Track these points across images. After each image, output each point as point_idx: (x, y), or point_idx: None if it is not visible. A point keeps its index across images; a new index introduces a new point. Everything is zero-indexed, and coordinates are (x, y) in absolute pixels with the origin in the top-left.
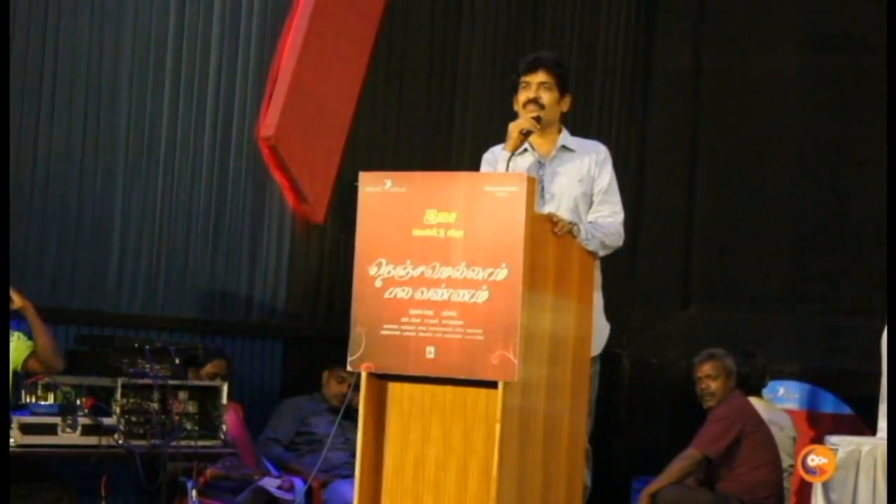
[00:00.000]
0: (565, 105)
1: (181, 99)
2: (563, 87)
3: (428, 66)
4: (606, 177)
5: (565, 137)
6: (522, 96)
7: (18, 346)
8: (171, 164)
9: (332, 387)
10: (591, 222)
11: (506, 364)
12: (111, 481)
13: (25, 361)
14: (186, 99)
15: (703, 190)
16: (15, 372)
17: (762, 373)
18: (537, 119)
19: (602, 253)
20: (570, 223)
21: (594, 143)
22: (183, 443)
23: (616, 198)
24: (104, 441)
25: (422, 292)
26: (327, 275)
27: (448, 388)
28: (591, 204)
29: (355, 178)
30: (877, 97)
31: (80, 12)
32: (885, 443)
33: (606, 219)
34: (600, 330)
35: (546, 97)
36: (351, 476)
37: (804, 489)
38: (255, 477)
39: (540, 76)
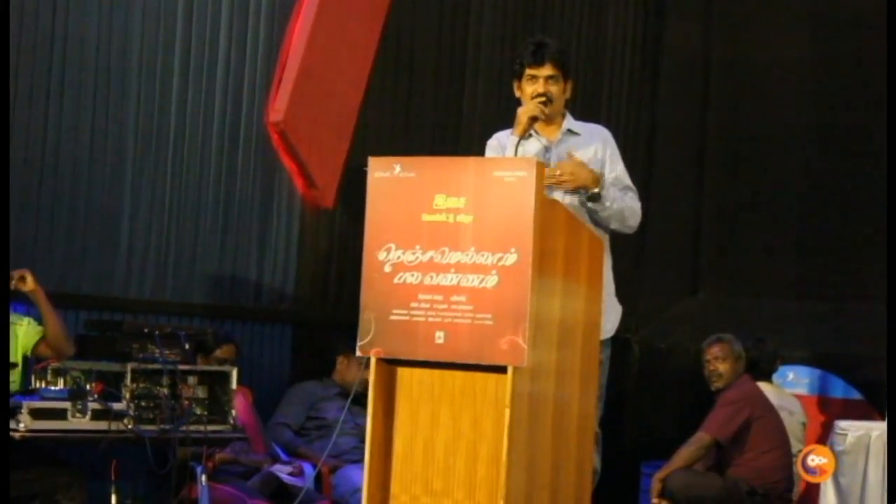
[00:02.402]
0: (568, 92)
1: (190, 84)
2: (567, 75)
3: (436, 52)
4: (620, 163)
5: (569, 122)
6: (530, 89)
7: (28, 332)
8: (181, 149)
9: (354, 372)
10: (618, 192)
11: (515, 349)
12: (121, 466)
13: (35, 346)
14: (195, 84)
15: (713, 176)
16: (25, 357)
17: (773, 358)
18: (544, 103)
19: (615, 225)
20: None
21: (598, 126)
22: (192, 428)
23: (631, 183)
24: (114, 426)
25: (431, 277)
26: (336, 260)
27: (457, 374)
28: None
29: (364, 163)
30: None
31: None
32: None
33: (632, 198)
34: (611, 313)
35: (554, 90)
36: (360, 461)
37: None
38: (265, 465)
39: (546, 69)
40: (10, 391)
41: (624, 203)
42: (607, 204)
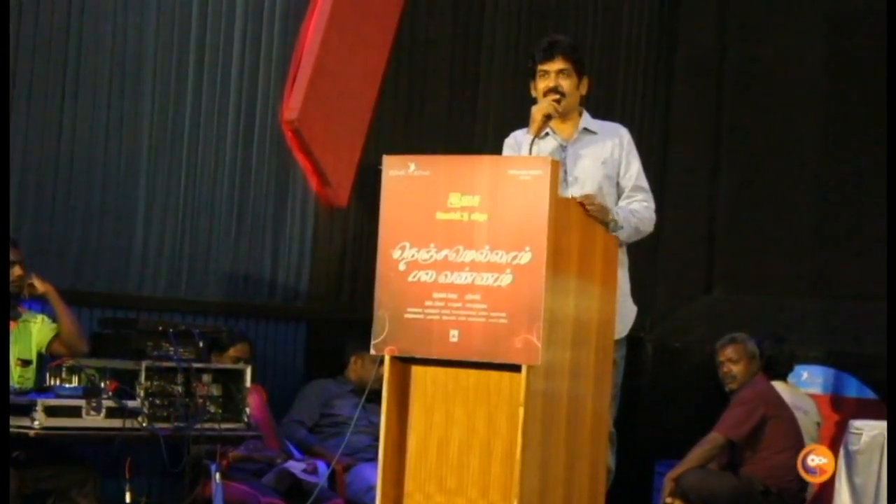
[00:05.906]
0: (584, 88)
1: (205, 81)
2: (580, 71)
3: (451, 50)
4: (635, 163)
5: (587, 120)
6: (542, 85)
7: (42, 329)
8: (195, 146)
9: (368, 370)
10: (627, 208)
11: (529, 347)
12: (135, 464)
13: (50, 344)
14: (210, 81)
15: (727, 174)
16: (40, 354)
17: (790, 358)
18: (558, 100)
19: (634, 239)
20: (608, 211)
21: (615, 125)
22: (206, 425)
23: (647, 184)
24: (128, 424)
25: (445, 276)
26: (350, 258)
27: (471, 372)
28: (615, 187)
29: (379, 162)
30: None
31: None
32: None
33: (641, 203)
34: (626, 312)
35: (566, 84)
36: (374, 459)
37: None
38: (278, 460)
39: (557, 64)
40: (26, 389)
41: (636, 217)
42: (622, 226)
